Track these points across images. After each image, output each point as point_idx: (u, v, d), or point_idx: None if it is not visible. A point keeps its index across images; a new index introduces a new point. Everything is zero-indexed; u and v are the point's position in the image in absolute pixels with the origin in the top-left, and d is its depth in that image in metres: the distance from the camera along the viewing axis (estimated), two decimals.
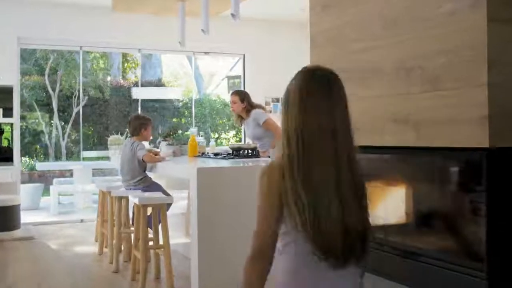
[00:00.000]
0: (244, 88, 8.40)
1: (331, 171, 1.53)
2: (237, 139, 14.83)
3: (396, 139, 2.72)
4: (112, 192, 4.62)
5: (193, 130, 5.49)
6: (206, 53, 7.89)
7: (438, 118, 2.47)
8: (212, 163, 4.25)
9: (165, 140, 6.07)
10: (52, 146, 14.24)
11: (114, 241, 4.56)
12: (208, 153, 5.24)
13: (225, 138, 15.22)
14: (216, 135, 15.12)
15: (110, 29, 7.46)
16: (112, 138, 7.47)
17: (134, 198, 3.99)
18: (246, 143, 5.13)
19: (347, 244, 1.51)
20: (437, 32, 2.47)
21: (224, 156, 4.69)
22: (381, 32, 2.80)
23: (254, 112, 5.27)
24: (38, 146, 14.56)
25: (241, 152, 4.69)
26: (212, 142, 5.86)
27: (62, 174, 12.11)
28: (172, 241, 4.01)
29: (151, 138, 5.23)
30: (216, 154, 4.98)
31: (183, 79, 16.32)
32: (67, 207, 9.11)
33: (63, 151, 14.16)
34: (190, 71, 14.69)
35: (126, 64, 16.03)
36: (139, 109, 9.66)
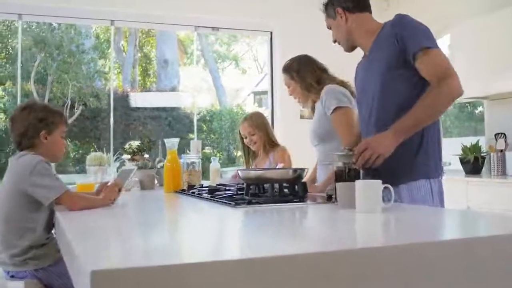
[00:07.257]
0: (272, 85, 5.80)
1: None
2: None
3: None
4: None
5: (172, 140, 2.79)
6: (214, 28, 5.37)
7: None
8: (186, 231, 1.63)
9: (133, 160, 3.52)
10: None
11: None
12: (201, 187, 2.67)
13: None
14: (237, 154, 12.68)
15: None
16: (91, 156, 5.17)
17: None
18: (277, 165, 2.40)
19: None
20: None
21: (232, 197, 2.08)
22: None
23: (327, 89, 2.66)
24: None
25: (266, 188, 2.06)
26: (215, 164, 3.25)
27: None
28: None
29: (63, 151, 2.52)
30: (213, 191, 2.36)
31: (204, 94, 14.08)
32: None
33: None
34: (211, 84, 12.20)
35: (144, 75, 13.59)
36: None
